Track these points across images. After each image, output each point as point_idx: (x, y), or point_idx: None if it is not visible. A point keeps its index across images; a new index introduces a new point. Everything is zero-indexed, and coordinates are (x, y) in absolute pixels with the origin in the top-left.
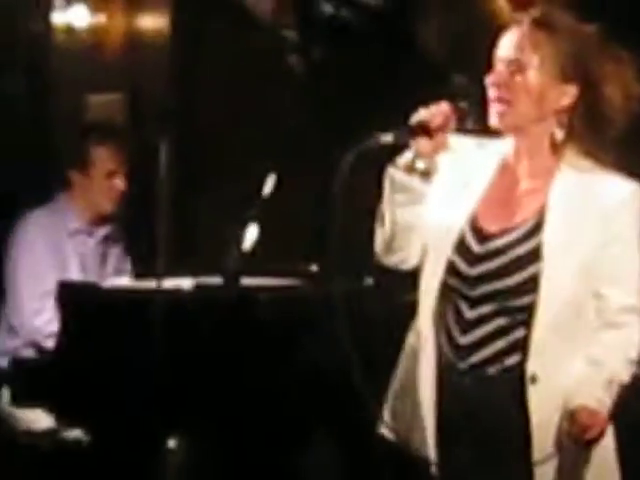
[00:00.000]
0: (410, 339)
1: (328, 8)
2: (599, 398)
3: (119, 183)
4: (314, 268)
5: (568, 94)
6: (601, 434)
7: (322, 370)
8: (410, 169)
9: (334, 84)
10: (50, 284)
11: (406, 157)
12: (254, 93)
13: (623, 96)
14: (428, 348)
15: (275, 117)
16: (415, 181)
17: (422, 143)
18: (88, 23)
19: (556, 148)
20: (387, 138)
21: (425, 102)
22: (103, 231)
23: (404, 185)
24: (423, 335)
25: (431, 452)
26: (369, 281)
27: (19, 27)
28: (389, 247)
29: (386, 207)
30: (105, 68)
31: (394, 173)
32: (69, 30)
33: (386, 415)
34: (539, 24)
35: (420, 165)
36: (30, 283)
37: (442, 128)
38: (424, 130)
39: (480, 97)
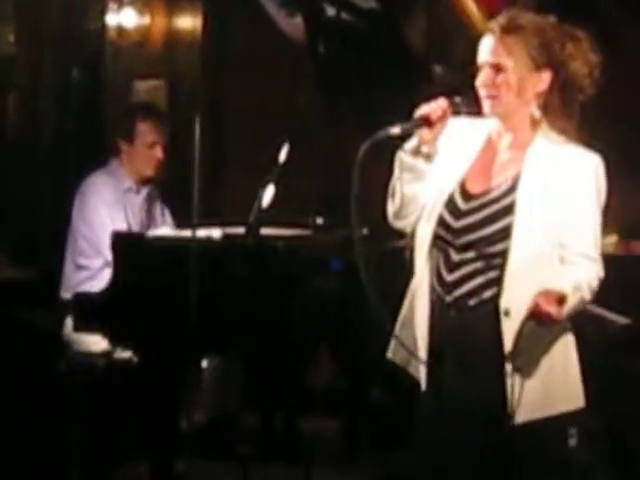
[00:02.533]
0: (413, 281)
1: (331, 11)
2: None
3: (158, 152)
4: (319, 221)
5: (543, 80)
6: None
7: (324, 301)
8: (416, 153)
9: (336, 73)
10: (119, 226)
11: (412, 143)
12: (270, 80)
13: (585, 67)
14: (423, 286)
15: (288, 99)
16: (419, 162)
17: (425, 132)
18: (135, 23)
19: (535, 124)
20: (395, 130)
21: (417, 93)
22: (146, 190)
23: (410, 166)
24: (418, 276)
25: (422, 369)
26: (364, 231)
27: (79, 27)
28: (398, 215)
29: (396, 183)
30: (149, 60)
31: (403, 156)
32: (120, 29)
33: (393, 342)
34: (507, 28)
35: (424, 150)
36: (107, 223)
37: (440, 120)
38: (426, 122)
39: (463, 84)
